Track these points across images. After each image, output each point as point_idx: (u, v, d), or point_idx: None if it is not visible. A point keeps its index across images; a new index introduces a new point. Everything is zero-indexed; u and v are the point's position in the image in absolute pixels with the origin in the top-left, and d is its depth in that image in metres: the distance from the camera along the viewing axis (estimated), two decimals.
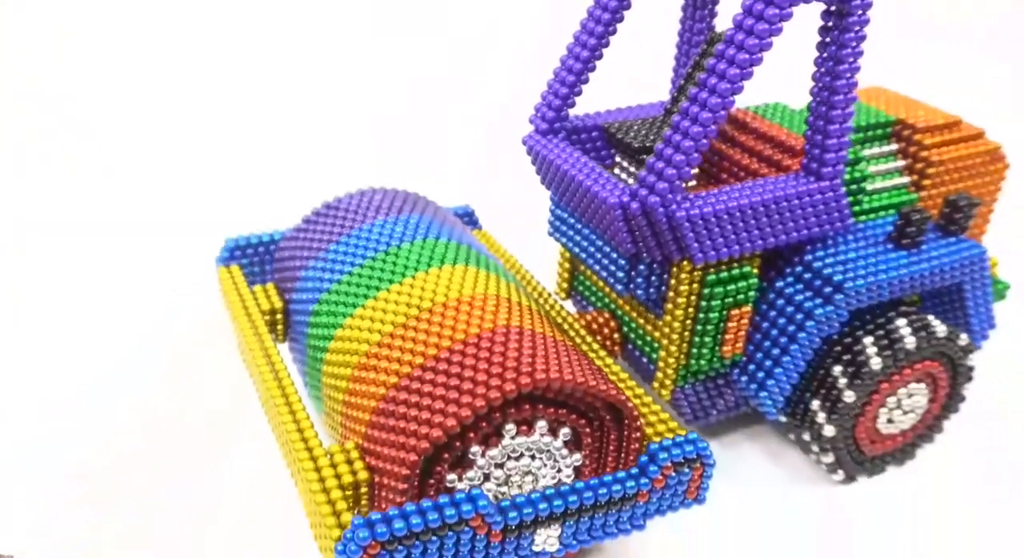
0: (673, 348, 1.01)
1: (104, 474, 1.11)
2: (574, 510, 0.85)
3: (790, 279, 1.01)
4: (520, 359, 0.84)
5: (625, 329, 1.12)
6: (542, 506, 0.83)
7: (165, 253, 1.60)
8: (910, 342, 0.99)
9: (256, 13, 2.42)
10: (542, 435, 0.86)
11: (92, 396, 1.24)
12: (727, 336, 0.99)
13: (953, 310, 1.10)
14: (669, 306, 0.99)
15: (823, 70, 0.92)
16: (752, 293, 0.99)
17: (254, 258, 1.19)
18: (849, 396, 0.99)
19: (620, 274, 0.99)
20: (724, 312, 0.98)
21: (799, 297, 0.99)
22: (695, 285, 0.97)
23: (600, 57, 1.04)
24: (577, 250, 1.07)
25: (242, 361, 1.16)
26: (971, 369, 1.07)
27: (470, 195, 1.56)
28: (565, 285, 1.23)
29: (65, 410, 1.21)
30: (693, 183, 1.07)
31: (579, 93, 1.06)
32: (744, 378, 1.03)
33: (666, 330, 1.00)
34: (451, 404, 0.82)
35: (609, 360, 1.02)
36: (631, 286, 0.99)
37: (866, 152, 1.10)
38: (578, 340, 1.05)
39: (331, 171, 1.86)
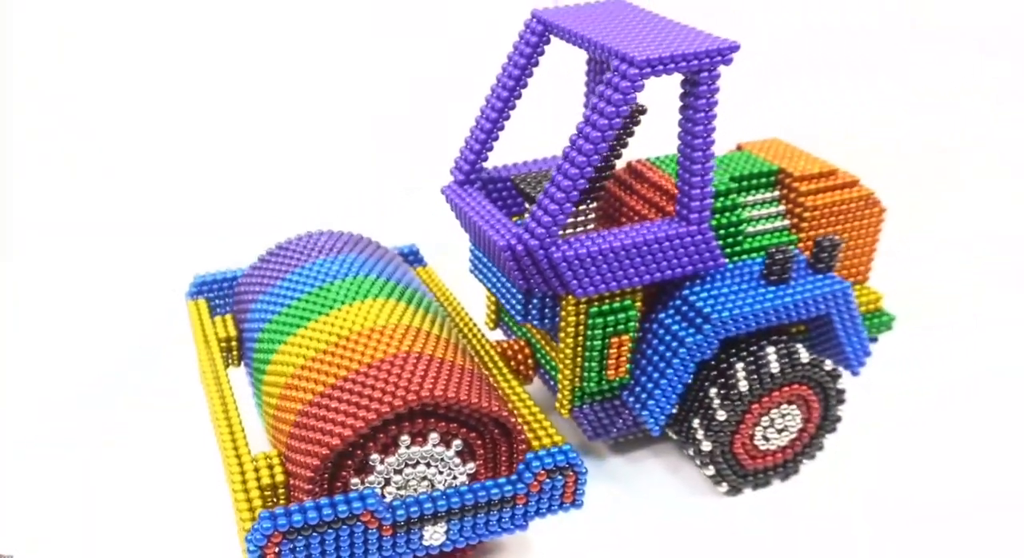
0: (567, 372, 1.14)
1: (102, 473, 1.20)
2: (457, 509, 0.99)
3: (670, 311, 1.15)
4: (412, 379, 0.99)
5: (538, 355, 1.26)
6: (427, 505, 0.97)
7: (166, 253, 1.66)
8: (775, 367, 1.12)
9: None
10: (435, 446, 1.00)
11: (92, 396, 1.32)
12: (610, 361, 1.13)
13: (830, 340, 1.22)
14: (561, 335, 1.13)
15: (683, 131, 1.06)
16: (632, 323, 1.13)
17: (219, 292, 1.35)
18: (721, 415, 1.12)
19: (519, 306, 1.13)
20: (606, 340, 1.11)
21: (675, 327, 1.13)
22: (581, 316, 1.11)
23: (510, 112, 1.19)
24: (489, 285, 1.21)
25: (201, 383, 1.31)
26: (841, 392, 1.19)
27: (423, 234, 1.71)
28: (493, 317, 1.38)
29: (65, 410, 1.29)
30: (592, 227, 1.21)
31: (491, 148, 1.21)
32: (631, 398, 1.16)
33: (560, 356, 1.14)
34: (350, 417, 0.96)
35: (515, 382, 1.17)
36: (528, 316, 1.13)
37: (746, 198, 1.23)
38: (491, 365, 1.20)
39: (297, 204, 1.92)
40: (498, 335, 1.49)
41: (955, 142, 1.99)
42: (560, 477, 1.03)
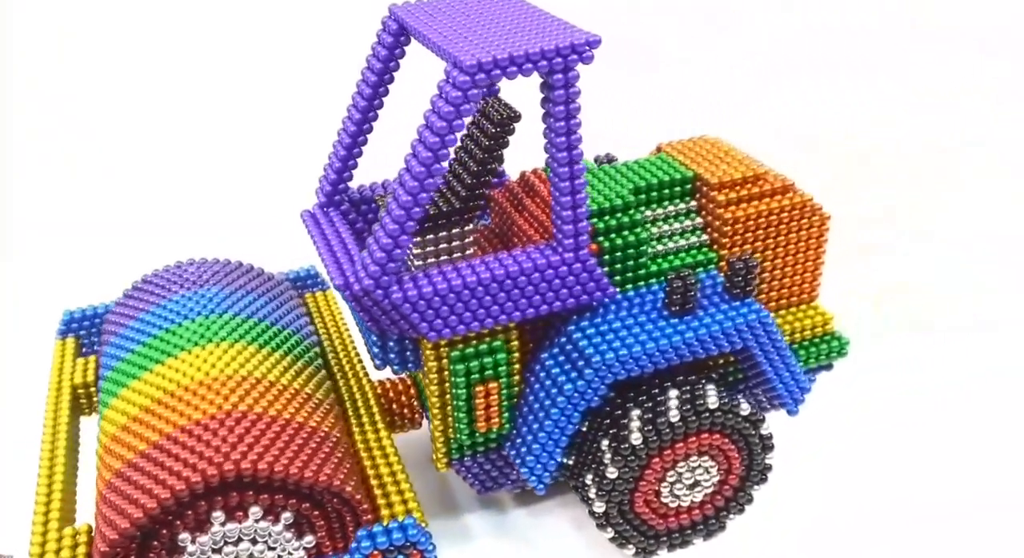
0: (437, 422, 0.99)
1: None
2: None
3: (555, 350, 0.99)
4: (220, 448, 0.85)
5: (423, 397, 1.11)
6: None
7: (166, 252, 1.59)
8: (674, 416, 0.95)
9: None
10: (258, 521, 0.87)
11: None
12: (478, 413, 0.97)
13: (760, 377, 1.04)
14: (425, 381, 0.98)
15: (546, 141, 0.89)
16: (503, 368, 0.97)
17: (91, 329, 1.23)
18: (611, 472, 0.96)
19: (375, 349, 0.98)
20: (470, 388, 0.96)
21: (556, 370, 0.97)
22: (443, 360, 0.95)
23: (372, 122, 1.04)
24: (356, 322, 1.07)
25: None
26: (766, 438, 1.01)
27: None
28: None
29: None
30: (471, 252, 1.05)
31: (354, 165, 1.06)
32: (512, 451, 1.01)
33: (429, 404, 0.99)
34: (145, 495, 0.83)
35: (383, 433, 1.02)
36: (387, 361, 0.98)
37: (652, 212, 1.06)
38: (363, 412, 1.06)
39: (204, 221, 1.82)
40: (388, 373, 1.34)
41: (955, 142, 1.89)
42: (401, 557, 0.88)
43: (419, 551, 0.88)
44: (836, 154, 1.78)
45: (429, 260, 1.01)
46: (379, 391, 1.12)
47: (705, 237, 1.07)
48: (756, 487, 1.05)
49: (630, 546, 1.02)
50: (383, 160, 1.21)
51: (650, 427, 0.95)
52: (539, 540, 1.09)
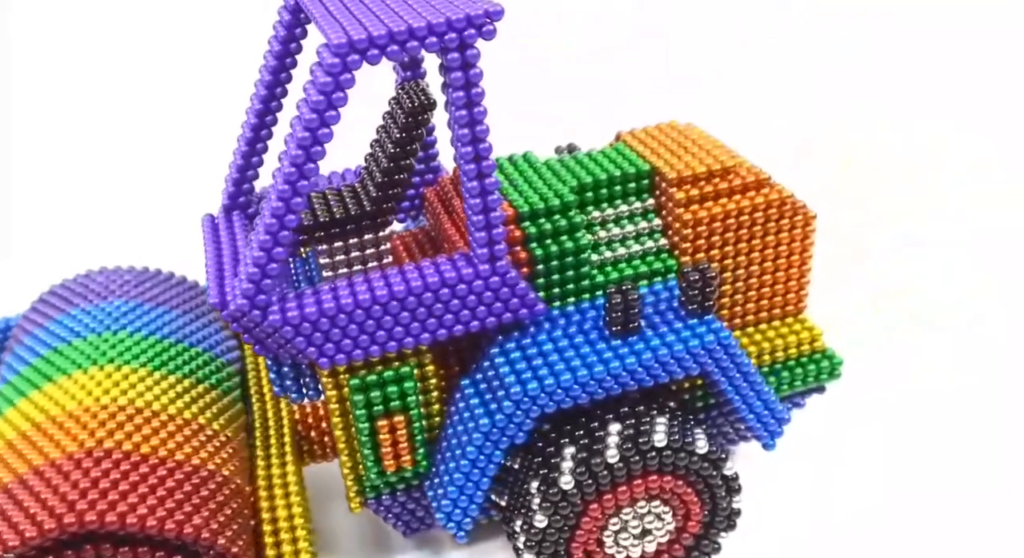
0: (344, 457, 0.87)
1: None
2: None
3: (478, 376, 0.85)
4: (67, 495, 0.74)
5: None
6: None
7: (79, 257, 1.48)
8: (613, 456, 0.81)
9: None
10: None
11: None
12: (383, 450, 0.84)
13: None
14: (328, 412, 0.85)
15: (451, 134, 0.75)
16: (411, 398, 0.83)
17: (2, 340, 1.14)
18: (540, 520, 0.82)
19: (272, 375, 0.86)
20: (372, 422, 0.83)
21: (474, 400, 0.83)
22: (343, 389, 0.83)
23: (276, 115, 0.91)
24: None
25: None
26: (731, 480, 0.86)
27: None
28: None
29: None
30: (388, 260, 0.91)
31: (259, 162, 0.93)
32: (431, 492, 0.87)
33: (335, 437, 0.87)
34: None
35: (290, 468, 0.90)
36: (285, 389, 0.86)
37: (600, 213, 0.91)
38: (272, 441, 0.94)
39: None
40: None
41: (947, 142, 1.78)
42: None
43: None
44: (827, 153, 1.66)
45: (340, 271, 0.88)
46: (299, 417, 0.99)
47: (664, 241, 0.92)
48: (723, 534, 0.90)
49: None
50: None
51: (583, 469, 0.81)
52: None
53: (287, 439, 0.94)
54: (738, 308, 0.96)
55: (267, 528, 0.84)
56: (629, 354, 0.81)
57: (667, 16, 2.03)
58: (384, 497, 0.90)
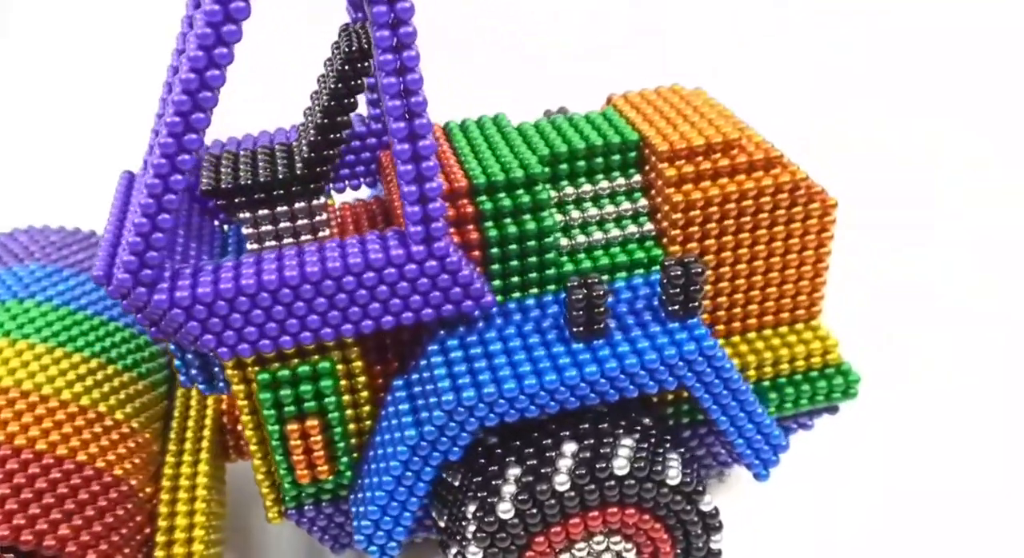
0: (258, 462, 0.75)
1: None
2: None
3: (413, 377, 0.72)
4: None
5: None
6: None
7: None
8: (562, 482, 0.67)
9: None
10: None
11: None
12: (295, 458, 0.71)
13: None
14: (238, 410, 0.73)
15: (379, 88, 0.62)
16: (330, 400, 0.70)
17: None
18: (474, 553, 0.69)
19: (177, 363, 0.74)
20: (282, 425, 0.70)
21: (404, 406, 0.70)
22: (252, 383, 0.70)
23: None
24: None
25: None
26: (709, 517, 0.72)
27: None
28: None
29: None
30: (326, 233, 0.78)
31: None
32: (353, 508, 0.75)
33: (245, 437, 0.74)
34: None
35: (202, 467, 0.78)
36: (191, 379, 0.74)
37: (575, 190, 0.76)
38: (189, 435, 0.82)
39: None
40: None
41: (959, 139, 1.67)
42: None
43: None
44: (826, 153, 1.56)
45: (268, 244, 0.75)
46: (226, 408, 0.87)
47: (651, 227, 0.77)
48: None
49: None
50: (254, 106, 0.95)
51: (527, 496, 0.67)
52: None
53: (206, 433, 0.82)
54: (737, 310, 0.81)
55: (160, 539, 0.72)
56: (590, 362, 0.67)
57: (665, 15, 1.96)
58: (307, 508, 0.78)
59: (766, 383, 0.82)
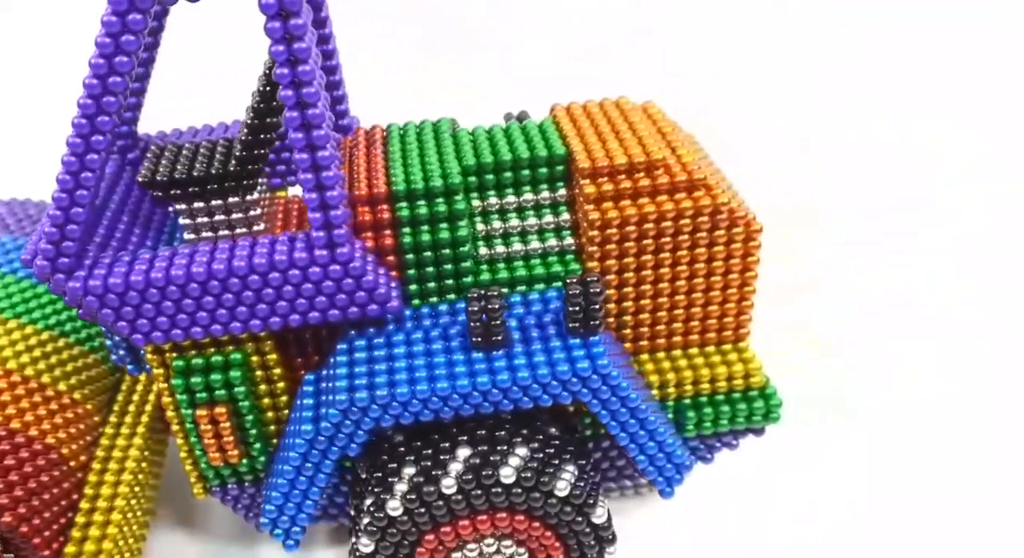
0: (181, 441, 0.79)
1: None
2: None
3: (323, 373, 0.75)
4: None
5: None
6: None
7: None
8: (449, 486, 0.69)
9: None
10: None
11: None
12: (206, 441, 0.75)
13: None
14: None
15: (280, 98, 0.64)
16: (239, 389, 0.74)
17: None
18: (366, 545, 0.72)
19: (108, 342, 0.78)
20: (192, 410, 0.74)
21: (308, 400, 0.73)
22: (168, 369, 0.74)
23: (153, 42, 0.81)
24: None
25: None
26: (601, 529, 0.74)
27: None
28: None
29: None
30: (260, 227, 0.81)
31: (136, 103, 0.84)
32: (264, 493, 0.78)
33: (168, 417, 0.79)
34: None
35: (136, 441, 0.83)
36: (118, 359, 0.78)
37: (499, 201, 0.78)
38: (132, 409, 0.87)
39: None
40: None
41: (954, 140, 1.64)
42: None
43: None
44: (825, 152, 1.58)
45: (204, 235, 0.79)
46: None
47: (571, 241, 0.78)
48: None
49: None
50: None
51: (415, 496, 0.70)
52: None
53: (147, 408, 0.87)
54: (661, 327, 0.82)
55: (84, 506, 0.77)
56: (485, 371, 0.69)
57: (665, 15, 1.94)
58: (231, 486, 0.82)
59: (687, 401, 0.83)
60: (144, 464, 0.83)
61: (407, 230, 0.74)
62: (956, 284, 1.27)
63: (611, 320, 0.81)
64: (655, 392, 0.81)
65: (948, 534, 0.90)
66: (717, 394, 0.83)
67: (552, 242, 0.78)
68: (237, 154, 0.76)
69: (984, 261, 1.32)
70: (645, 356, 0.83)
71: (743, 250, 0.78)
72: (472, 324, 0.70)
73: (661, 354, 0.83)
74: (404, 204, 0.74)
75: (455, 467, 0.70)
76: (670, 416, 0.83)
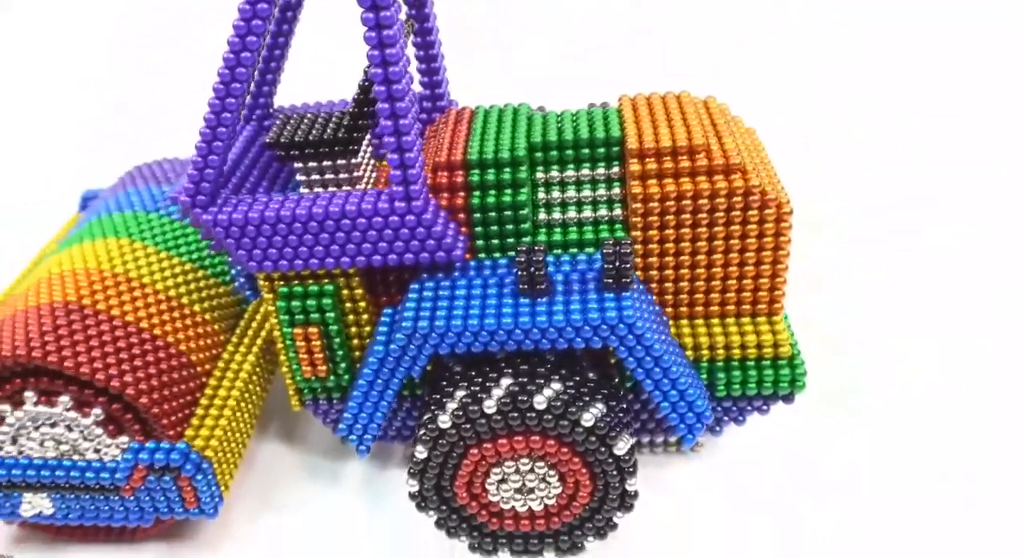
0: (282, 358, 0.95)
1: None
2: (50, 483, 0.88)
3: (398, 307, 0.89)
4: (16, 336, 0.88)
5: None
6: (15, 471, 0.88)
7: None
8: (490, 406, 0.82)
9: None
10: (67, 410, 0.89)
11: None
12: (301, 356, 0.91)
13: None
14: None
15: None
16: (329, 314, 0.89)
17: None
18: (420, 452, 0.86)
19: (233, 271, 0.95)
20: (291, 329, 0.90)
21: (383, 328, 0.87)
22: (273, 294, 0.90)
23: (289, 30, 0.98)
24: None
25: None
26: (623, 461, 0.84)
27: None
28: None
29: None
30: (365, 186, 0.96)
31: (273, 80, 1.01)
32: (345, 405, 0.93)
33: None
34: None
35: (250, 360, 1.00)
36: (240, 284, 0.95)
37: (559, 174, 0.89)
38: (250, 335, 1.04)
39: None
40: None
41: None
42: (168, 478, 0.87)
43: (186, 477, 0.86)
44: (824, 152, 1.59)
45: (316, 190, 0.95)
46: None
47: (619, 212, 0.90)
48: (619, 514, 0.89)
49: (461, 537, 0.92)
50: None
51: (462, 413, 0.83)
52: (389, 505, 1.01)
53: (263, 333, 1.04)
54: (699, 296, 0.92)
55: (204, 401, 0.95)
56: (528, 314, 0.82)
57: (665, 15, 1.95)
58: (321, 402, 0.98)
59: (719, 364, 0.92)
60: (255, 376, 1.00)
61: (476, 193, 0.87)
62: (961, 282, 1.28)
63: (653, 286, 0.91)
64: (689, 353, 0.91)
65: (951, 531, 0.93)
66: (747, 360, 0.92)
67: (602, 212, 0.90)
68: (345, 124, 0.92)
69: (989, 258, 1.32)
70: (684, 321, 0.93)
71: (774, 229, 0.87)
72: (520, 273, 0.83)
73: (699, 321, 0.93)
74: (476, 171, 0.87)
75: (497, 392, 0.83)
76: (703, 377, 0.92)
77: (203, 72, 2.10)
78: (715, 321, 0.93)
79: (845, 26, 1.99)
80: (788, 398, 0.95)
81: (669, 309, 0.93)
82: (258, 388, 1.01)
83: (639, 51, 1.93)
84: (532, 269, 0.82)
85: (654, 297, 0.92)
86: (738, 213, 0.87)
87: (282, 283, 0.90)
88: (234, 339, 1.04)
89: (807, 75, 1.83)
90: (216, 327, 1.02)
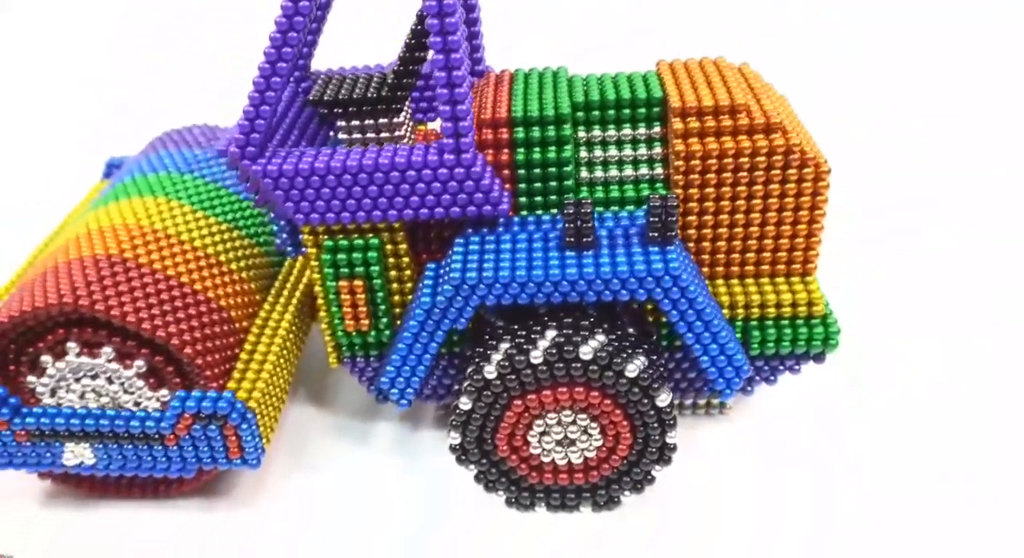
0: (323, 313, 0.96)
1: None
2: (95, 432, 0.88)
3: (443, 261, 0.90)
4: (60, 286, 0.88)
5: None
6: (59, 420, 0.88)
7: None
8: (537, 357, 0.83)
9: None
10: (109, 361, 0.90)
11: None
12: (345, 310, 0.92)
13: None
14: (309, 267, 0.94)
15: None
16: (374, 267, 0.90)
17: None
18: (465, 403, 0.87)
19: (275, 227, 0.96)
20: (336, 282, 0.91)
21: (428, 281, 0.88)
22: (318, 248, 0.91)
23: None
24: None
25: None
26: (664, 413, 0.86)
27: None
28: None
29: None
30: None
31: (313, 42, 1.02)
32: (386, 359, 0.94)
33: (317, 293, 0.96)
34: (5, 309, 0.89)
35: (288, 316, 1.01)
36: (282, 240, 0.96)
37: (602, 133, 0.91)
38: (287, 292, 1.05)
39: None
40: None
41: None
42: (214, 426, 0.87)
43: (232, 425, 0.87)
44: (823, 151, 1.58)
45: (356, 146, 0.96)
46: None
47: (660, 171, 0.91)
48: (656, 467, 0.90)
49: (499, 492, 0.93)
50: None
51: (508, 364, 0.84)
52: (420, 465, 1.02)
53: (298, 293, 1.05)
54: (736, 255, 0.94)
55: (243, 357, 0.95)
56: (573, 265, 0.83)
57: (665, 15, 1.97)
58: (358, 359, 0.99)
59: (753, 322, 0.94)
60: (291, 335, 1.01)
61: (521, 150, 0.89)
62: (961, 281, 1.29)
63: (691, 245, 0.93)
64: (725, 312, 0.93)
65: (954, 528, 0.92)
66: (782, 318, 0.94)
67: (644, 171, 0.91)
68: (389, 83, 0.93)
69: (989, 258, 1.33)
70: (720, 281, 0.95)
71: (812, 188, 0.89)
72: (568, 226, 0.84)
73: (734, 280, 0.95)
74: (520, 128, 0.89)
75: (543, 343, 0.84)
76: (737, 335, 0.94)
77: (203, 72, 2.17)
78: (750, 280, 0.95)
79: (845, 26, 2.01)
80: (820, 357, 0.97)
81: (705, 268, 0.95)
82: (294, 347, 1.02)
83: (639, 51, 1.94)
84: (580, 222, 0.83)
85: (691, 256, 0.94)
86: (777, 172, 0.88)
87: (327, 237, 0.90)
88: (270, 297, 1.04)
89: (807, 75, 1.84)
90: (253, 286, 1.03)
